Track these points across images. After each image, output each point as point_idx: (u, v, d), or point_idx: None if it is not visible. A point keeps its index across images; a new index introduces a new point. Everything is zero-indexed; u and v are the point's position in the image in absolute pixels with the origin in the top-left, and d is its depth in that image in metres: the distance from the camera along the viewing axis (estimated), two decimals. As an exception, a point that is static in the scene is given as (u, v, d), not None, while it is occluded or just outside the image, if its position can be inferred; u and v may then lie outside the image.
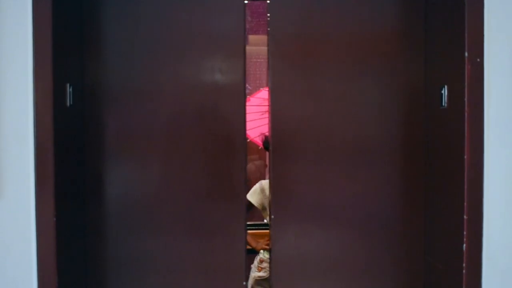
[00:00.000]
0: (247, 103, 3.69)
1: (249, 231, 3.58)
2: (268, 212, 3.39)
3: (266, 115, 3.62)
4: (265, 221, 3.43)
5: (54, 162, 2.05)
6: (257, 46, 5.33)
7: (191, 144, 2.42)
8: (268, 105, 2.45)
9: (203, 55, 2.41)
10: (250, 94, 3.96)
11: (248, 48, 2.52)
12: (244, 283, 2.45)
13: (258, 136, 3.55)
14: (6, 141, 2.06)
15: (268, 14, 2.40)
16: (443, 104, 2.21)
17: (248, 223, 3.66)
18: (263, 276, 3.40)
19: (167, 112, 2.41)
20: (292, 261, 2.45)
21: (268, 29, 2.42)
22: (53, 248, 2.06)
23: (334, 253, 2.46)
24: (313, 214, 2.44)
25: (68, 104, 2.22)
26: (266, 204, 3.42)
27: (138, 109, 2.40)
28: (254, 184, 3.57)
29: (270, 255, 2.50)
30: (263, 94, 3.67)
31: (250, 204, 3.48)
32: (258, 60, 5.44)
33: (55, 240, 2.06)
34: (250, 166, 5.26)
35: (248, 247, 3.53)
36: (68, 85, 2.21)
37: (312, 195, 2.43)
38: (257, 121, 3.68)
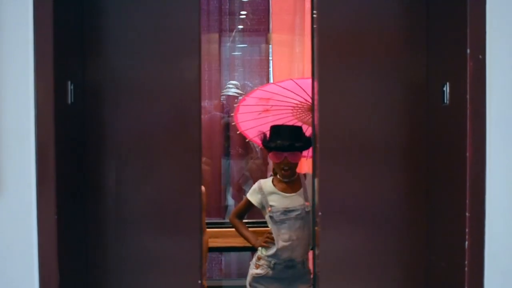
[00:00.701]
0: (243, 103, 3.69)
1: (249, 229, 3.59)
2: (266, 211, 3.39)
3: (264, 114, 3.62)
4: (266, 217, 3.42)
5: (55, 160, 2.05)
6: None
7: (156, 144, 2.44)
8: (316, 104, 2.42)
9: (157, 53, 2.41)
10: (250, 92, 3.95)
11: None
12: (199, 281, 2.44)
13: (257, 135, 3.55)
14: (7, 139, 2.05)
15: (315, 11, 2.37)
16: (445, 101, 2.21)
17: (248, 220, 3.68)
18: (261, 273, 3.41)
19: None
20: (338, 258, 2.44)
21: (315, 26, 2.39)
22: (54, 247, 2.06)
23: (365, 250, 2.46)
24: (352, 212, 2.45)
25: (69, 101, 2.22)
26: (265, 203, 3.42)
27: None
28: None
29: (315, 252, 2.48)
30: (259, 93, 3.66)
31: (250, 204, 3.49)
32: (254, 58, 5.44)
33: (56, 238, 2.06)
34: (251, 165, 5.27)
35: (248, 244, 3.54)
36: (69, 82, 2.21)
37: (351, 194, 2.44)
38: (254, 120, 3.68)
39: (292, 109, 3.53)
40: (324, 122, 2.40)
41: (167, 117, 2.42)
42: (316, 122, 2.43)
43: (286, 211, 3.35)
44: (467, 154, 2.04)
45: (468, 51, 2.04)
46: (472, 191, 2.05)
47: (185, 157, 2.42)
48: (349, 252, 2.44)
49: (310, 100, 3.44)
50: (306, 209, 3.34)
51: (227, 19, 5.14)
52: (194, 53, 2.40)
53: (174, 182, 2.44)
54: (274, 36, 5.03)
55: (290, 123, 3.53)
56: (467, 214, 2.05)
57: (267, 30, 5.10)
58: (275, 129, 3.41)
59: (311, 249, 3.42)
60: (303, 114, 3.53)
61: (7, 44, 2.03)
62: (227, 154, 5.26)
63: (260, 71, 5.31)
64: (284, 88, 3.47)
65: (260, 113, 3.64)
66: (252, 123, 3.67)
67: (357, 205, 2.43)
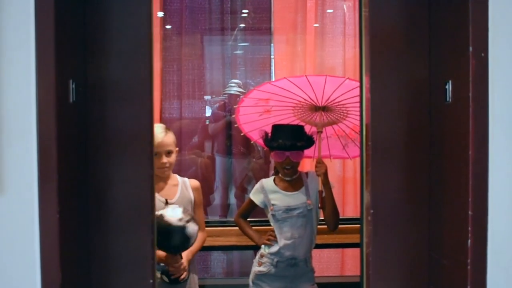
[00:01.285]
0: (241, 104, 3.69)
1: (253, 227, 3.59)
2: (268, 210, 3.39)
3: (265, 115, 3.62)
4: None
5: (57, 159, 2.05)
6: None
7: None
8: (367, 102, 2.40)
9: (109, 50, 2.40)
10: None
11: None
12: (151, 281, 2.43)
13: (260, 138, 3.55)
14: (8, 137, 2.05)
15: (367, 9, 2.36)
16: (448, 99, 2.20)
17: (253, 219, 3.69)
18: (263, 271, 3.41)
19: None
20: (391, 256, 2.43)
21: (366, 23, 2.38)
22: (57, 245, 2.06)
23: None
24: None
25: (71, 100, 2.22)
26: (267, 202, 3.42)
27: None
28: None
29: (365, 251, 2.45)
30: (256, 94, 3.66)
31: (253, 203, 3.49)
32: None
33: (59, 236, 2.06)
34: (253, 165, 5.27)
35: (251, 243, 3.54)
36: (70, 81, 2.21)
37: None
38: (256, 122, 3.68)
39: (292, 109, 3.53)
40: (377, 119, 2.38)
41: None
42: (366, 120, 2.42)
43: (288, 209, 3.35)
44: (470, 152, 2.04)
45: (471, 49, 2.03)
46: (475, 189, 2.05)
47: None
48: (401, 251, 2.42)
49: (309, 99, 3.44)
50: (308, 207, 3.35)
51: (229, 18, 5.14)
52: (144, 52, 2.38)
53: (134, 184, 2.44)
54: (276, 34, 5.03)
55: (293, 123, 3.53)
56: (469, 212, 2.04)
57: (269, 28, 5.10)
58: (276, 128, 3.41)
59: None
60: (304, 113, 3.53)
61: (8, 42, 2.03)
62: (229, 153, 5.26)
63: (262, 70, 5.31)
64: (281, 87, 3.46)
65: (261, 114, 3.64)
66: (255, 124, 3.68)
67: (407, 202, 2.42)
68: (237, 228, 3.66)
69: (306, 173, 3.48)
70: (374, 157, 2.38)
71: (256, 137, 3.69)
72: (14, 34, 2.03)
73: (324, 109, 3.43)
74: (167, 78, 5.03)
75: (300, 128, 3.41)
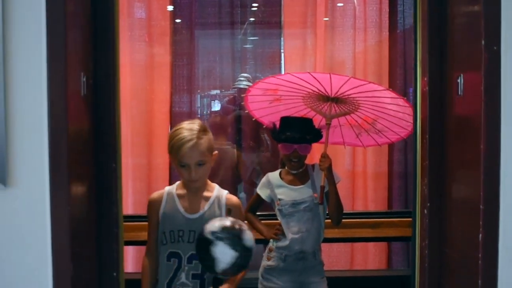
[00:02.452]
0: (249, 93, 3.68)
1: (264, 221, 3.59)
2: (275, 204, 3.39)
3: (276, 103, 3.61)
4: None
5: (68, 151, 2.05)
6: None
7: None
8: (423, 96, 2.42)
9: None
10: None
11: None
12: (115, 274, 2.43)
13: (269, 123, 3.53)
14: (20, 130, 2.06)
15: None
16: (460, 92, 2.19)
17: (261, 213, 3.69)
18: (272, 265, 3.41)
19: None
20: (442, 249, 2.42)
21: (425, 18, 2.38)
22: (68, 237, 2.07)
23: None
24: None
25: (82, 93, 2.22)
26: (273, 197, 3.42)
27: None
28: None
29: (419, 243, 2.43)
30: (262, 85, 3.64)
31: (261, 198, 3.48)
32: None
33: (70, 228, 2.06)
34: (262, 159, 5.26)
35: (260, 237, 3.54)
36: (82, 74, 2.21)
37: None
38: (267, 109, 3.67)
39: (302, 98, 3.51)
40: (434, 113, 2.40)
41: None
42: (422, 114, 2.43)
43: (295, 204, 3.35)
44: (481, 146, 2.03)
45: (483, 42, 2.02)
46: (486, 183, 2.04)
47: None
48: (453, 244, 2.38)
49: (318, 90, 3.42)
50: (315, 201, 3.33)
51: (239, 12, 5.13)
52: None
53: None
54: (286, 28, 5.02)
55: (302, 113, 3.52)
56: (481, 206, 2.03)
57: (278, 22, 5.09)
58: (285, 120, 3.40)
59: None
60: (314, 103, 3.51)
61: (19, 34, 2.04)
62: (238, 146, 5.26)
63: (272, 64, 5.30)
64: (287, 80, 3.45)
65: (271, 102, 3.63)
66: (266, 111, 3.67)
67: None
68: (247, 222, 3.66)
69: (313, 166, 3.47)
70: (431, 150, 2.39)
71: (268, 122, 3.66)
72: (25, 26, 2.04)
73: (335, 100, 3.41)
74: (177, 72, 5.03)
75: (309, 120, 3.40)
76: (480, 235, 2.03)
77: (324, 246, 4.32)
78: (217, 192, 2.82)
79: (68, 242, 2.06)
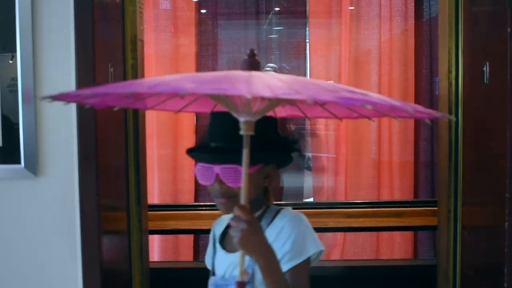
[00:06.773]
0: None
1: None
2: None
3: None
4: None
5: (97, 142, 2.09)
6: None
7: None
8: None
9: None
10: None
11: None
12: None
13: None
14: (49, 121, 2.10)
15: None
16: (485, 80, 2.18)
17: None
18: None
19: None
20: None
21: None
22: (97, 227, 2.11)
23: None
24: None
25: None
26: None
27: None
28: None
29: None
30: None
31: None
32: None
33: (98, 216, 2.10)
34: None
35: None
36: (109, 65, 2.24)
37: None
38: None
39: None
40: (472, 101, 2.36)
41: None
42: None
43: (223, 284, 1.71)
44: (507, 134, 2.01)
45: (509, 30, 2.00)
46: (513, 172, 2.02)
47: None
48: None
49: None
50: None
51: (264, 1, 5.12)
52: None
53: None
54: (311, 18, 5.01)
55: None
56: (507, 195, 2.02)
57: (304, 12, 5.07)
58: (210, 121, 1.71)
59: None
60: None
61: (48, 26, 2.08)
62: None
63: (297, 54, 5.29)
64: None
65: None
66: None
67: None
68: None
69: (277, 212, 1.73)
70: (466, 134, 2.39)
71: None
72: (55, 18, 2.07)
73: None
74: (202, 63, 5.04)
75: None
76: (506, 223, 2.02)
77: (350, 236, 4.32)
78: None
79: (96, 229, 2.10)
